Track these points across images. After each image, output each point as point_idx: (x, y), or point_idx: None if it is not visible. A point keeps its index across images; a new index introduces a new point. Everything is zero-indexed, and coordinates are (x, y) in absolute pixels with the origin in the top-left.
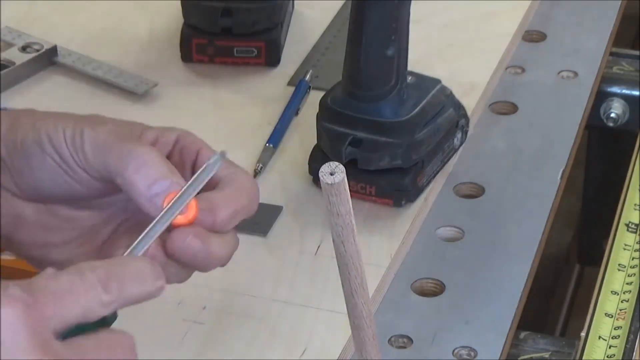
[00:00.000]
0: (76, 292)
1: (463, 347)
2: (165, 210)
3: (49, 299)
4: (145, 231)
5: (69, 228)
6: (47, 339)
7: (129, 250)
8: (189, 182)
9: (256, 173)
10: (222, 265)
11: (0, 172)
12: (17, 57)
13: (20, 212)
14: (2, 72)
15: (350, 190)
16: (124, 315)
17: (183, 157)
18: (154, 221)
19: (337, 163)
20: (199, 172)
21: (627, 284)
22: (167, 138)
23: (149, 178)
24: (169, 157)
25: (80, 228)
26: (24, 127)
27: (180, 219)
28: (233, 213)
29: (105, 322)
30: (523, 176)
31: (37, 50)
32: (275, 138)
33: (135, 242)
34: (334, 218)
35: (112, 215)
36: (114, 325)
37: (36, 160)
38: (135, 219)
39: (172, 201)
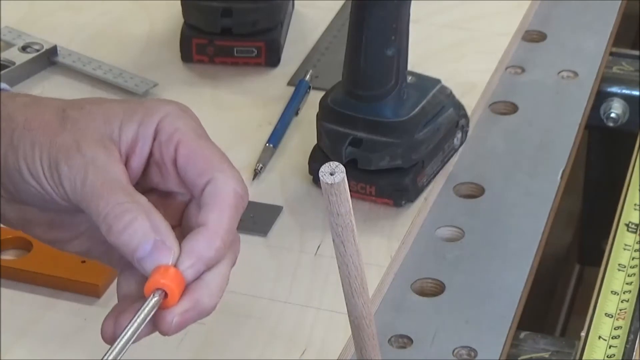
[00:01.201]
0: None
1: (463, 347)
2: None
3: None
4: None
5: (73, 224)
6: None
7: (110, 353)
8: (137, 316)
9: (256, 173)
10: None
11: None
12: (17, 57)
13: (22, 215)
14: (2, 72)
15: (350, 190)
16: None
17: (162, 155)
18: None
19: (337, 163)
20: (144, 307)
21: (627, 284)
22: (146, 131)
23: (131, 244)
24: (150, 155)
25: (85, 223)
26: (5, 139)
27: (168, 302)
28: (222, 244)
29: None
30: (523, 176)
31: (37, 50)
32: (275, 138)
33: (114, 347)
34: (334, 218)
35: None
36: None
37: (20, 184)
38: None
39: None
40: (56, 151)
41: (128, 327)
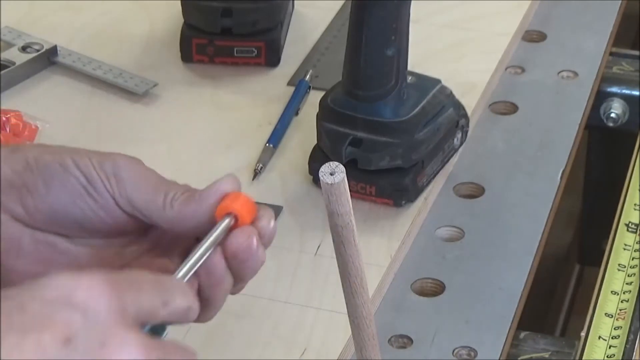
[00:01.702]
0: (147, 285)
1: (463, 347)
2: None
3: (128, 284)
4: (193, 255)
5: (62, 262)
6: (127, 317)
7: (179, 271)
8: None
9: (256, 173)
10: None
11: (1, 193)
12: (17, 57)
13: (17, 240)
14: (2, 72)
15: (350, 190)
16: None
17: None
18: (201, 246)
19: (337, 163)
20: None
21: (627, 284)
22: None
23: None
24: None
25: (73, 264)
26: (33, 149)
27: (243, 219)
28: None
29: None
30: (523, 176)
31: (37, 50)
32: (275, 138)
33: (183, 266)
34: (334, 218)
35: (110, 258)
36: None
37: (57, 179)
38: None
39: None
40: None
41: (198, 247)
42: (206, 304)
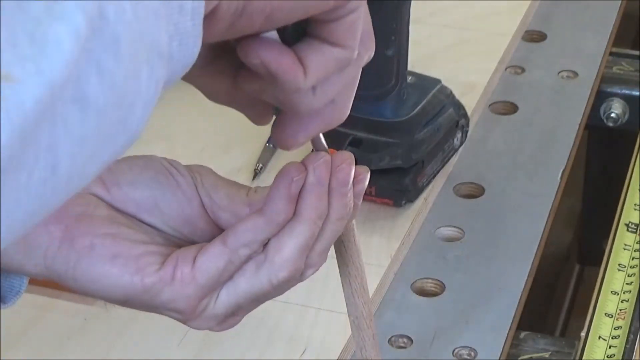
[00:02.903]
0: None
1: (463, 347)
2: None
3: None
4: None
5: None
6: None
7: None
8: None
9: (256, 173)
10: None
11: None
12: None
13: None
14: None
15: None
16: (124, 314)
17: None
18: None
19: None
20: None
21: (627, 284)
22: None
23: None
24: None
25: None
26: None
27: None
28: None
29: None
30: (523, 176)
31: None
32: None
33: None
34: None
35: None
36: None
37: (142, 159)
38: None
39: None
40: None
41: None
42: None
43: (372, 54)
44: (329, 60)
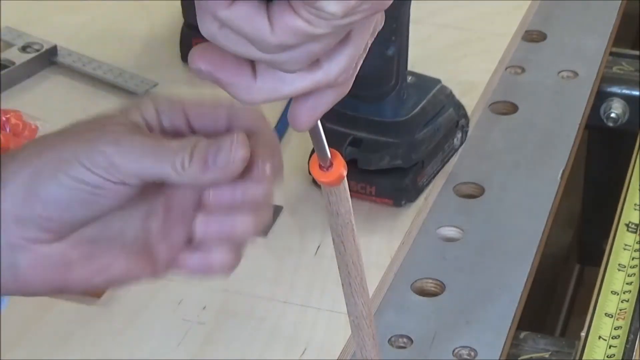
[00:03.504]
0: None
1: (463, 347)
2: None
3: None
4: None
5: (116, 245)
6: None
7: None
8: None
9: None
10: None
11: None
12: (17, 57)
13: (65, 258)
14: (2, 72)
15: (350, 190)
16: (124, 314)
17: (175, 125)
18: None
19: None
20: None
21: (627, 284)
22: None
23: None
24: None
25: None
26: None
27: None
28: None
29: None
30: (523, 176)
31: (37, 50)
32: None
33: None
34: (334, 218)
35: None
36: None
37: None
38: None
39: None
40: (89, 142)
41: None
42: None
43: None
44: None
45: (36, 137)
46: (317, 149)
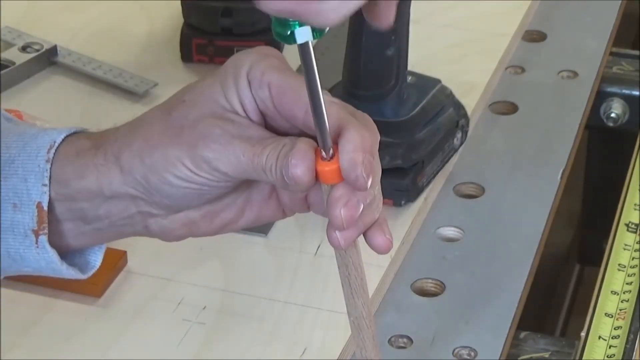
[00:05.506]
0: None
1: (463, 347)
2: None
3: None
4: None
5: (233, 202)
6: None
7: None
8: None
9: None
10: None
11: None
12: (17, 57)
13: (185, 221)
14: (2, 72)
15: None
16: (124, 314)
17: (264, 101)
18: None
19: None
20: None
21: (627, 284)
22: (243, 90)
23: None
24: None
25: (241, 194)
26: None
27: None
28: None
29: None
30: (523, 176)
31: (37, 50)
32: None
33: None
34: None
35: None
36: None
37: (175, 194)
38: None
39: None
40: (191, 147)
41: None
42: None
43: None
44: None
45: (131, 122)
46: (320, 138)
